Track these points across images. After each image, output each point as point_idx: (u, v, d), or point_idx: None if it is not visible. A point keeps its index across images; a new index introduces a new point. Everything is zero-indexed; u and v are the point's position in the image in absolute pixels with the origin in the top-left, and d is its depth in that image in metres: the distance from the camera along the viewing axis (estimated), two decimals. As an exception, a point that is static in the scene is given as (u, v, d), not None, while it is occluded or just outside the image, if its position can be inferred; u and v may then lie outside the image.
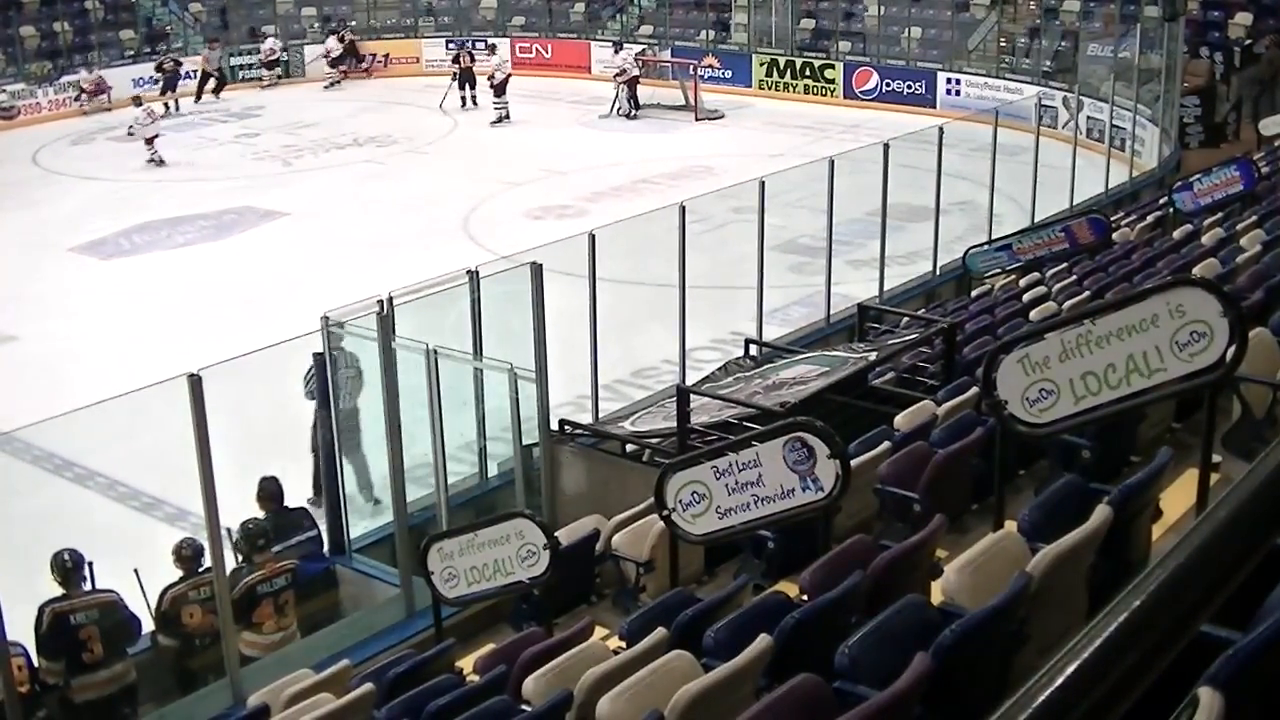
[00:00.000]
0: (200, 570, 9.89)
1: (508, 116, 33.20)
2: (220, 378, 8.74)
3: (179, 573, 9.97)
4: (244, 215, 25.74)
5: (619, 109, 33.03)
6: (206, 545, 9.55)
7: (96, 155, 32.23)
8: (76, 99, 36.51)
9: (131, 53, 39.23)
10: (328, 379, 11.08)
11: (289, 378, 11.74)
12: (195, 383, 8.47)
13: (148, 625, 9.88)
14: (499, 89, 33.26)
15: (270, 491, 11.06)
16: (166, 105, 35.17)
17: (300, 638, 10.16)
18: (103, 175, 29.88)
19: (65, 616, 9.32)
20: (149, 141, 29.87)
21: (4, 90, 35.44)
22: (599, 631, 7.99)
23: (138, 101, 31.21)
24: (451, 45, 38.48)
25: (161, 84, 35.73)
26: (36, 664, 9.27)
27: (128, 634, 9.64)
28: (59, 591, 9.41)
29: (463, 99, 34.95)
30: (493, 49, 36.95)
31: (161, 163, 29.65)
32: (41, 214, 26.65)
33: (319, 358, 11.01)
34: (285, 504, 11.08)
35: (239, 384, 12.17)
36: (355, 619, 10.66)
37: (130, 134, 30.59)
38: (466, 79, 35.15)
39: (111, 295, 21.66)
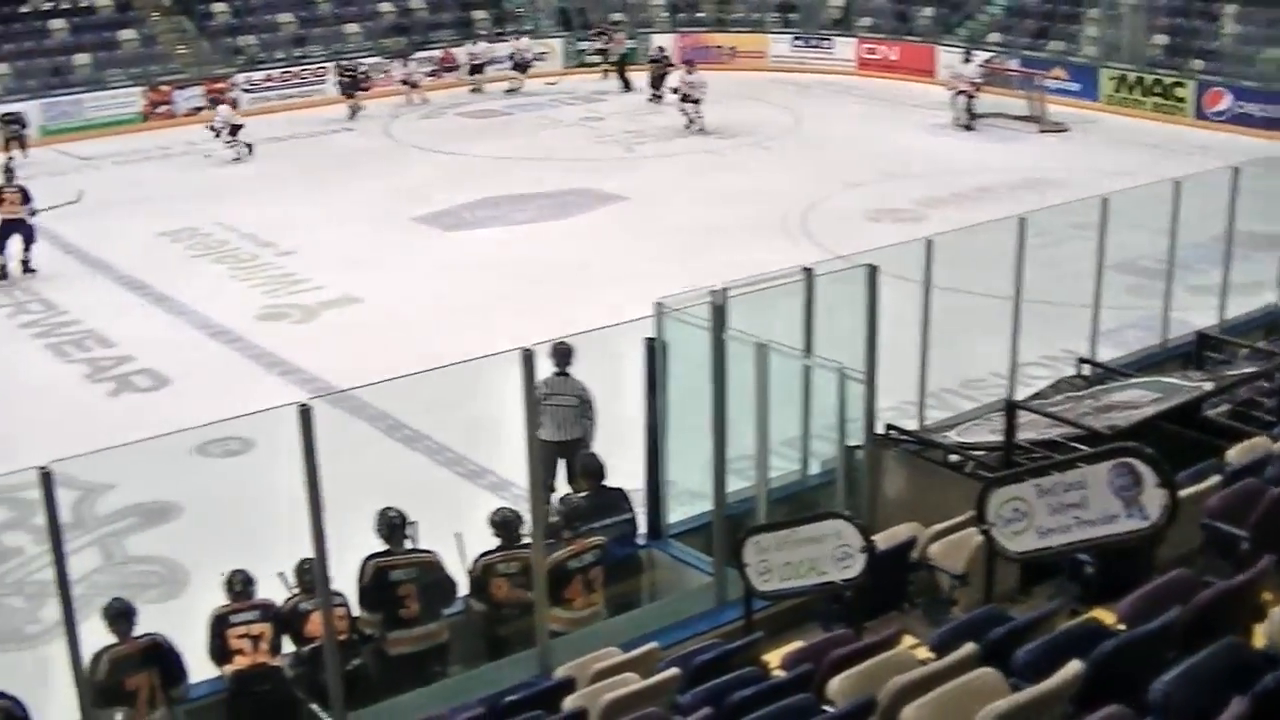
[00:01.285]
0: (516, 542, 10.09)
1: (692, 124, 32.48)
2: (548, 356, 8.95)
3: (496, 541, 10.20)
4: (584, 197, 26.23)
5: (956, 120, 32.54)
6: (526, 516, 9.78)
7: (446, 130, 33.24)
8: (431, 74, 37.70)
9: (483, 32, 40.28)
10: (656, 365, 11.20)
11: (619, 360, 11.93)
12: (527, 357, 8.68)
13: (464, 589, 10.15)
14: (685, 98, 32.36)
15: (591, 469, 11.25)
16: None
17: (606, 617, 10.31)
18: (451, 150, 30.80)
19: (386, 572, 9.65)
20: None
21: (361, 63, 36.72)
22: (907, 640, 7.93)
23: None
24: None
25: (343, 86, 35.96)
26: (356, 614, 9.64)
27: (444, 595, 9.91)
28: (382, 547, 9.76)
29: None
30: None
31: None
32: (390, 184, 27.64)
33: (650, 343, 11.14)
34: (605, 483, 11.24)
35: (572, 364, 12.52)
36: (666, 603, 10.76)
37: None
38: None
39: (451, 266, 22.36)
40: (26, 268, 22.77)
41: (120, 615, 9.11)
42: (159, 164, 31.11)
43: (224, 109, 31.88)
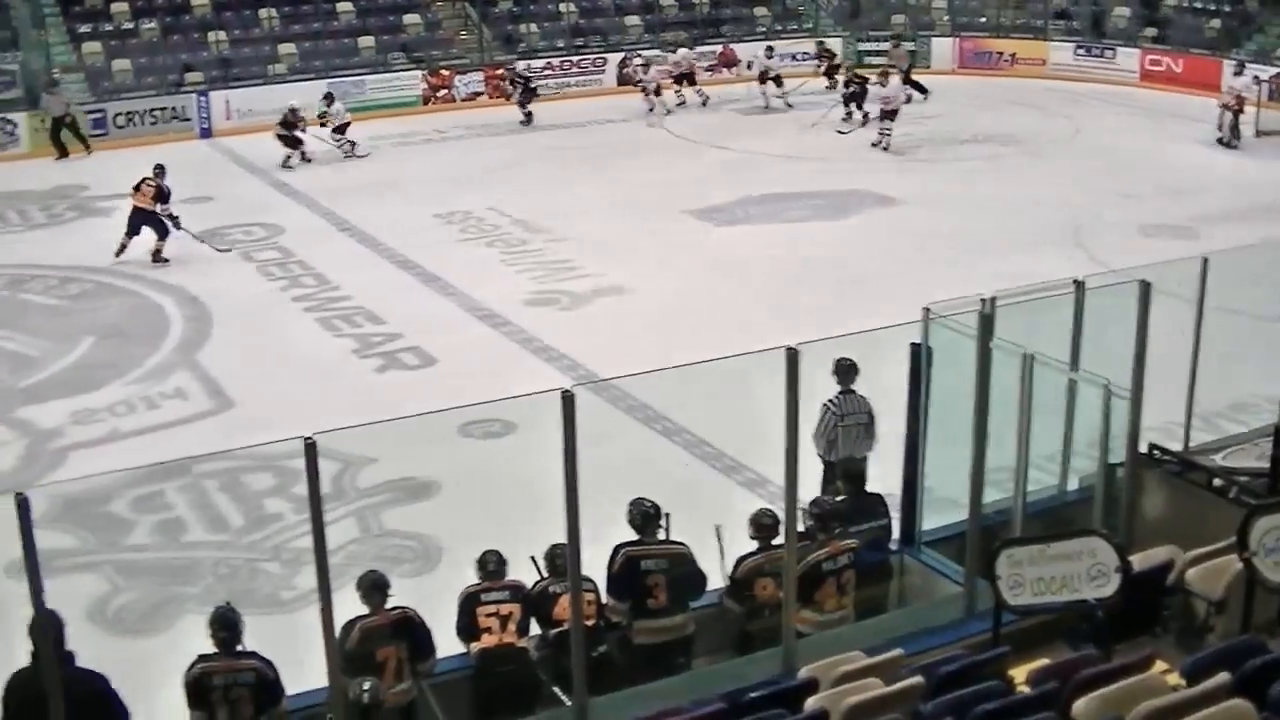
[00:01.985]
0: (774, 543, 9.99)
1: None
2: (812, 354, 8.82)
3: (753, 543, 10.10)
4: (857, 199, 25.97)
5: (1220, 137, 31.33)
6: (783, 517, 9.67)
7: (721, 125, 33.28)
8: (709, 70, 37.77)
9: (763, 29, 40.24)
10: (920, 371, 11.01)
11: (882, 364, 11.76)
12: (792, 356, 8.57)
13: (714, 583, 10.09)
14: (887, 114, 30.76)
15: (853, 472, 11.11)
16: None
17: (854, 620, 10.18)
18: (726, 145, 30.81)
19: (637, 561, 9.62)
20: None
21: (640, 55, 36.90)
22: (1159, 665, 7.69)
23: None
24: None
25: (517, 93, 35.05)
26: (605, 601, 9.63)
27: (693, 587, 9.85)
28: (634, 537, 9.74)
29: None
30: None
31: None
32: (664, 176, 27.74)
33: (916, 348, 10.97)
34: (865, 487, 11.09)
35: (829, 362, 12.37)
36: (914, 611, 10.59)
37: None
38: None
39: (720, 261, 22.34)
40: (156, 257, 23.20)
41: (374, 587, 9.22)
42: (437, 147, 31.67)
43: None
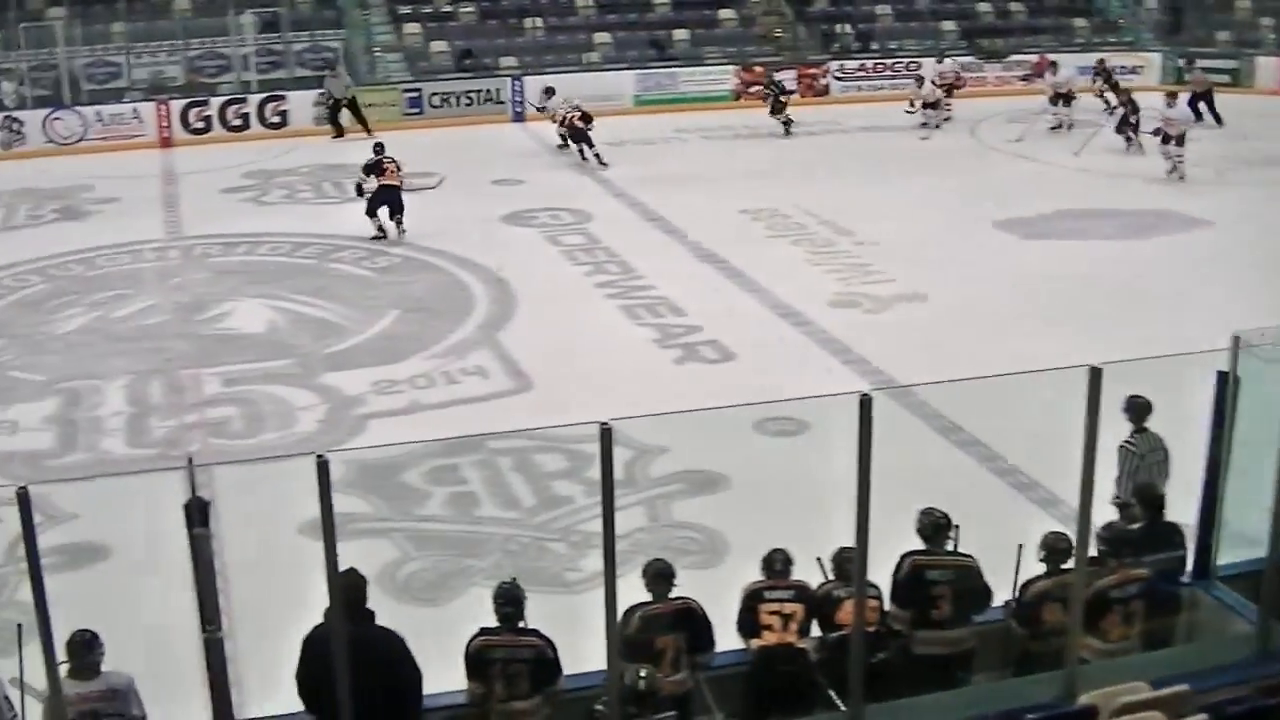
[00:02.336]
0: (1063, 567, 9.79)
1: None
2: (1114, 378, 8.61)
3: (1042, 565, 9.90)
4: (1165, 219, 25.24)
5: None
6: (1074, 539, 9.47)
7: (1032, 136, 32.72)
8: (1023, 79, 37.20)
9: (1081, 40, 39.47)
10: (1225, 400, 10.68)
11: (1181, 392, 11.41)
12: (1095, 376, 8.39)
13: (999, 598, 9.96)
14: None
15: (1150, 499, 10.79)
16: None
17: (1138, 651, 9.94)
18: (1035, 156, 30.31)
19: (924, 570, 9.51)
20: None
21: (952, 59, 36.53)
22: None
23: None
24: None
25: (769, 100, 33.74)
26: (887, 608, 9.57)
27: (978, 602, 9.71)
28: (922, 546, 9.65)
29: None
30: None
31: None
32: (970, 184, 27.41)
33: (1223, 377, 10.64)
34: (1163, 514, 10.80)
35: (1136, 387, 12.06)
36: (1203, 647, 10.28)
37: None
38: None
39: (1025, 274, 21.88)
40: (400, 226, 24.10)
41: (659, 576, 9.29)
42: (746, 142, 31.79)
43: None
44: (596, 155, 29.25)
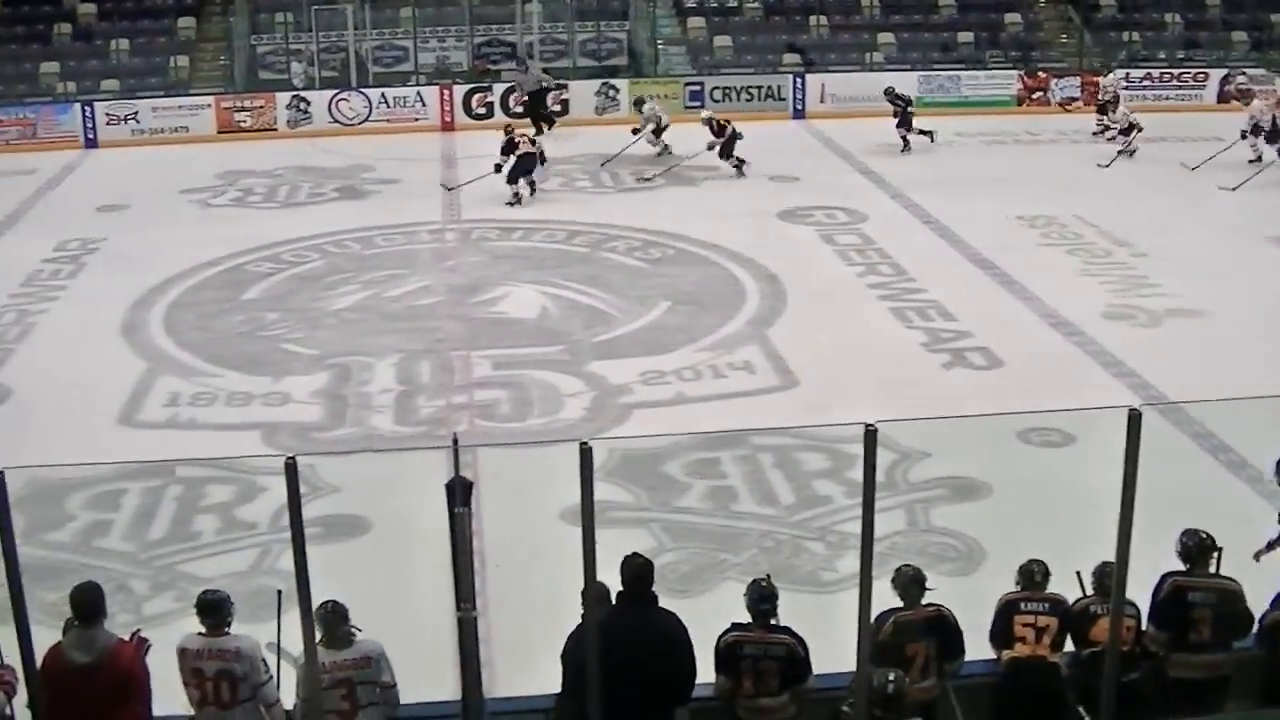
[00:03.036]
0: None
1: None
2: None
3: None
4: None
5: None
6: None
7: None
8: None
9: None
10: None
11: None
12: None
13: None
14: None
15: None
16: None
17: None
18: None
19: (1185, 592, 9.25)
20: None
21: (1243, 73, 35.49)
22: None
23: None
24: None
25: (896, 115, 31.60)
26: (1144, 628, 9.36)
27: (1239, 627, 9.42)
28: (1182, 567, 9.41)
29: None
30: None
31: None
32: (1256, 199, 26.44)
33: None
34: None
35: None
36: None
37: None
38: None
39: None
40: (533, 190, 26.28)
41: (913, 582, 9.20)
42: (1026, 149, 31.34)
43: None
44: (738, 163, 28.74)
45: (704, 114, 29.50)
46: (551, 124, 32.60)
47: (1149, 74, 36.33)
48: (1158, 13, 38.53)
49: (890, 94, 31.11)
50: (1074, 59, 37.22)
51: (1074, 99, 35.12)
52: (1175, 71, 36.58)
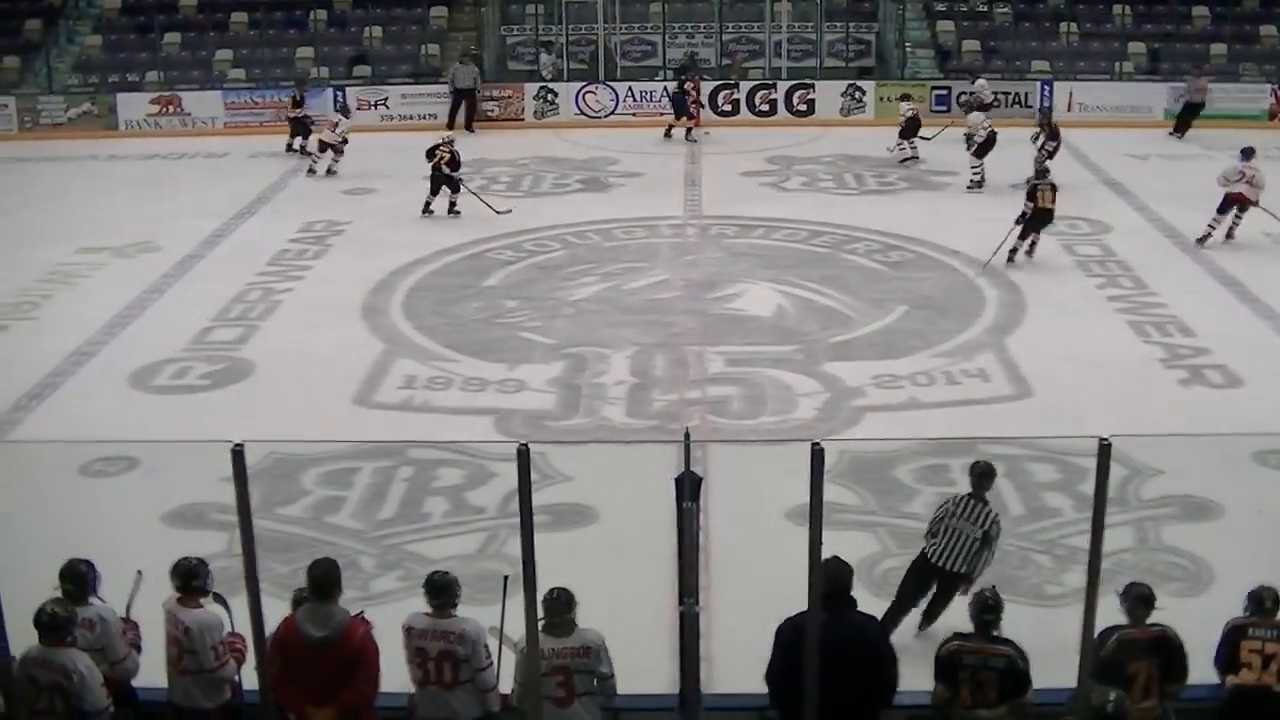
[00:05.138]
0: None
1: None
2: None
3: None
4: None
5: None
6: None
7: None
8: None
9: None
10: None
11: None
12: None
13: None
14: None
15: None
16: None
17: None
18: None
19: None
20: None
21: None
22: None
23: None
24: None
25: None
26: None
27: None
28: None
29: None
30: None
31: None
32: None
33: None
34: None
35: None
36: None
37: None
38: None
39: None
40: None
41: (1140, 600, 9.08)
42: (1275, 165, 30.45)
43: None
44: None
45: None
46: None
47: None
48: None
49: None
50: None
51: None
52: None
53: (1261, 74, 35.85)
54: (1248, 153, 24.41)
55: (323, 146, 29.13)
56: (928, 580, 11.60)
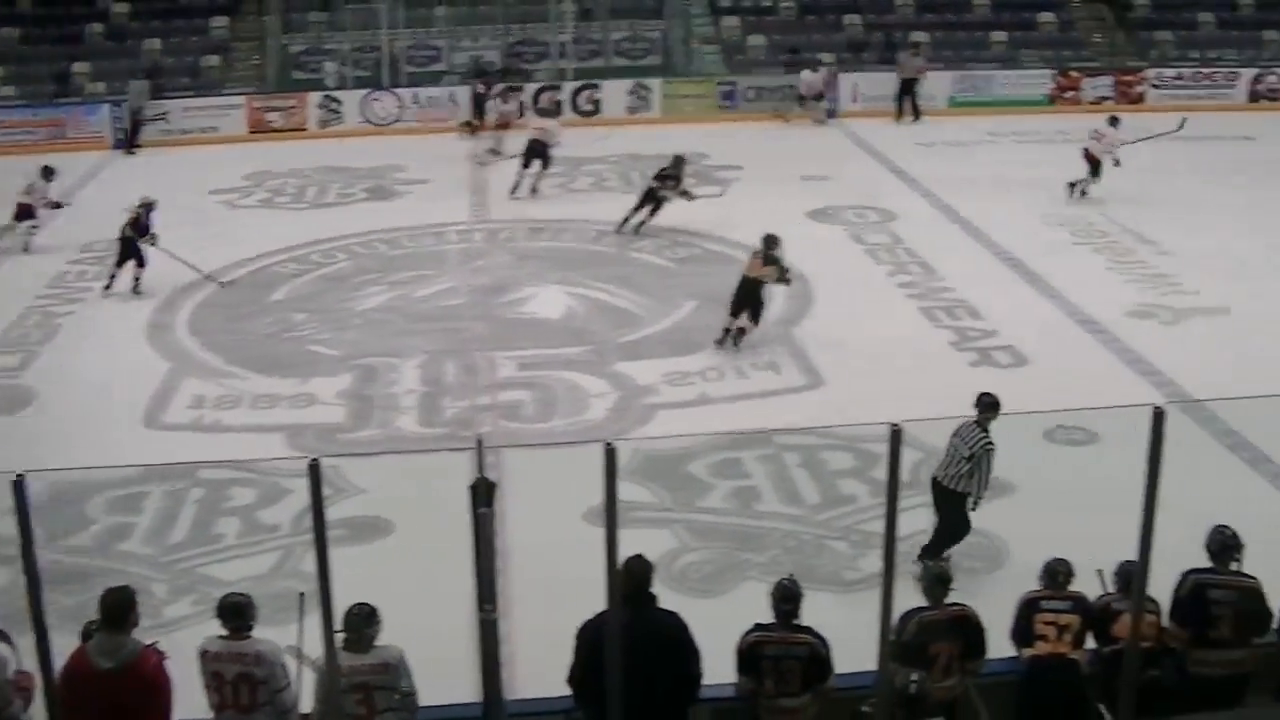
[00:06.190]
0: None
1: None
2: None
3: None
4: None
5: None
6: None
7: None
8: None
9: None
10: None
11: None
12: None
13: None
14: None
15: None
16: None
17: None
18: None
19: (1206, 589, 9.22)
20: None
21: (1274, 73, 35.38)
22: None
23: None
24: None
25: None
26: (1166, 625, 9.33)
27: (1259, 624, 9.38)
28: (1206, 564, 9.38)
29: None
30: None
31: None
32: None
33: None
34: None
35: None
36: None
37: None
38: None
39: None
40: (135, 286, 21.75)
41: (937, 581, 9.23)
42: (1058, 148, 31.22)
43: None
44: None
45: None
46: None
47: (1180, 73, 36.20)
48: (1190, 12, 38.35)
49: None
50: (1107, 58, 37.08)
51: (1106, 98, 35.10)
52: (1206, 71, 36.45)
53: (1041, 60, 36.70)
54: (1112, 120, 26.26)
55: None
56: (936, 499, 12.47)
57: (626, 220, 23.37)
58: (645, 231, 23.81)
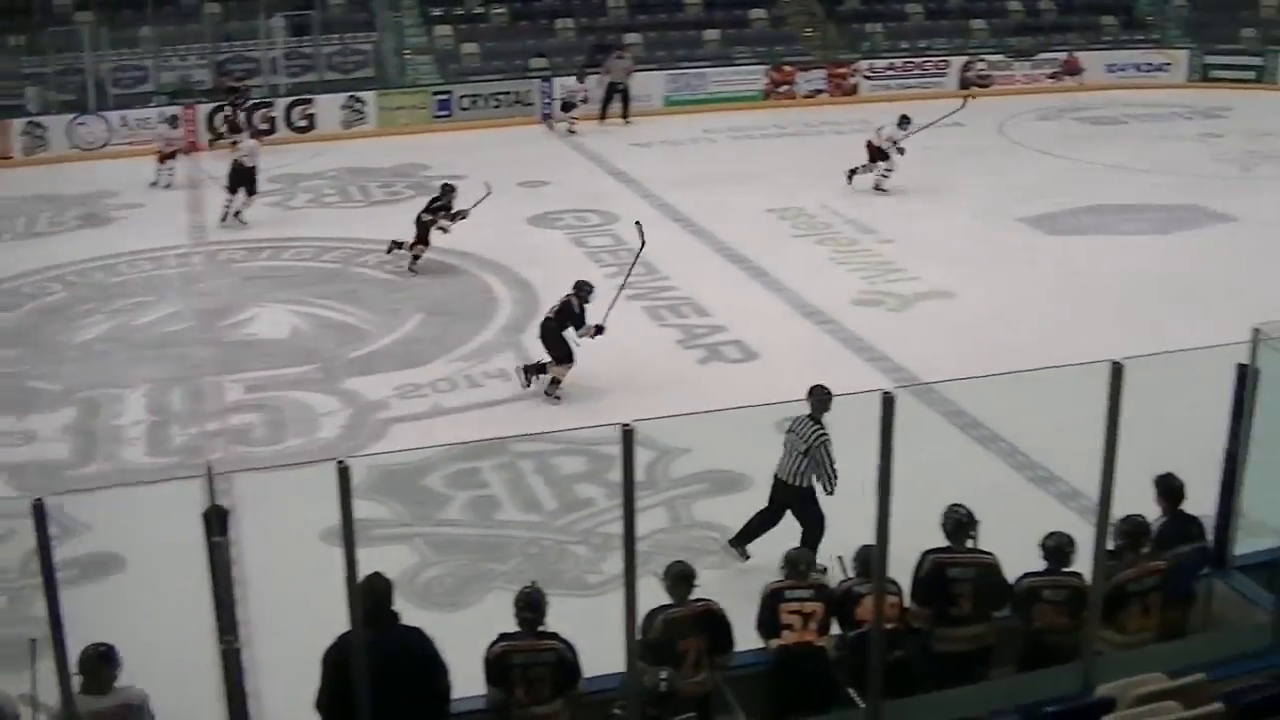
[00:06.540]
0: (1064, 570, 9.67)
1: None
2: (1137, 371, 8.51)
3: (1044, 563, 9.81)
4: (1191, 214, 25.15)
5: None
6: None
7: (1060, 133, 32.64)
8: (1051, 76, 37.22)
9: (1109, 39, 39.39)
10: (1245, 392, 10.56)
11: (1206, 384, 11.26)
12: (1117, 371, 8.32)
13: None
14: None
15: (1171, 490, 10.61)
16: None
17: (1154, 641, 9.83)
18: (1063, 154, 30.21)
19: (945, 568, 9.44)
20: None
21: (982, 60, 36.48)
22: None
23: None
24: None
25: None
26: (908, 605, 9.51)
27: (998, 599, 9.64)
28: (943, 543, 9.58)
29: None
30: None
31: None
32: (997, 182, 27.33)
33: (1242, 370, 10.52)
34: (1183, 508, 10.65)
35: (1158, 380, 11.90)
36: (1220, 636, 10.19)
37: None
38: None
39: (1049, 270, 21.96)
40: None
41: (681, 578, 9.25)
42: (774, 142, 31.77)
43: None
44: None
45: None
46: None
47: (891, 64, 37.16)
48: (899, 3, 39.39)
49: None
50: (819, 52, 37.83)
51: (820, 90, 35.86)
52: (917, 60, 37.48)
53: (754, 56, 37.28)
54: (901, 120, 26.73)
55: None
56: (774, 495, 12.53)
57: (416, 259, 22.58)
58: (367, 249, 23.54)
